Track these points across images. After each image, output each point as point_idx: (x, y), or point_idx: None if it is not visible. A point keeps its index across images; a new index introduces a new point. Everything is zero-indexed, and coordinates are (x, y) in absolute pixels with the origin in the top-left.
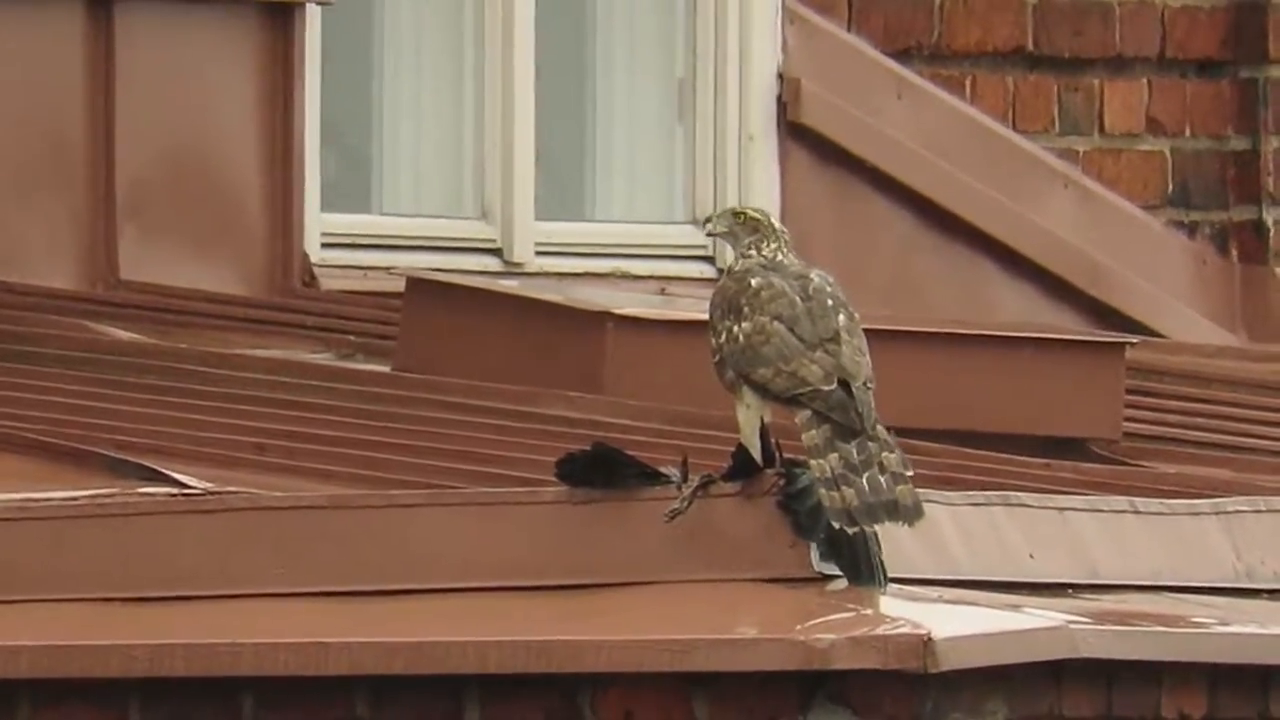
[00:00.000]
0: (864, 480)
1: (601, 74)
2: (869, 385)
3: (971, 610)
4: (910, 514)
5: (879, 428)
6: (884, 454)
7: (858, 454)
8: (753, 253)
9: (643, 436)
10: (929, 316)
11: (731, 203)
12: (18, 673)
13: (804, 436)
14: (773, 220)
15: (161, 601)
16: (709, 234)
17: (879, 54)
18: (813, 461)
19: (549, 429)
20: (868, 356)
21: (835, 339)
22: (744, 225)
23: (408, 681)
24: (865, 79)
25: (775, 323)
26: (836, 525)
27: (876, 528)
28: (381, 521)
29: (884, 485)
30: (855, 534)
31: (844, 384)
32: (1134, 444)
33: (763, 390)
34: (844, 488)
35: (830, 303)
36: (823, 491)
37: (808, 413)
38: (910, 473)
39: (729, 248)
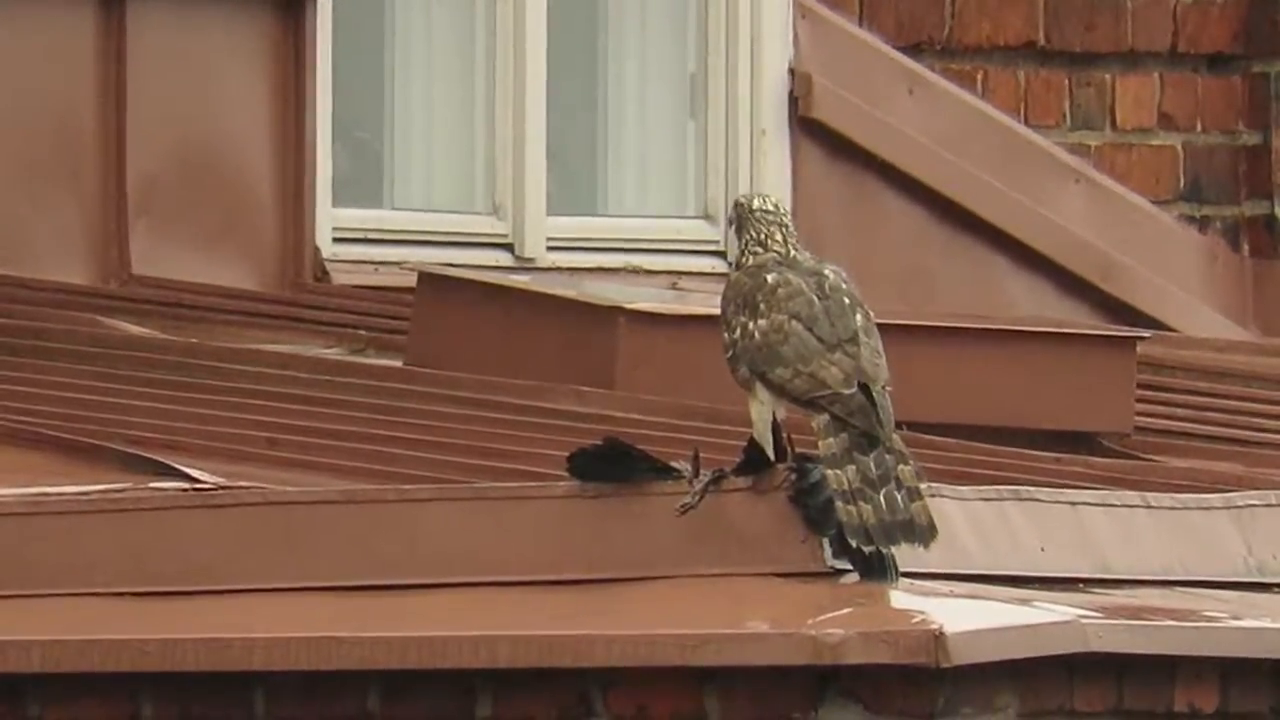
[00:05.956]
0: (881, 497)
1: (613, 68)
2: (887, 388)
3: (983, 605)
4: (925, 535)
5: (894, 436)
6: (900, 467)
7: (875, 468)
8: (760, 249)
9: (654, 431)
10: (940, 311)
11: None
12: (29, 667)
13: (821, 444)
14: (760, 204)
15: (173, 596)
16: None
17: (890, 49)
18: (829, 471)
19: (560, 424)
20: (884, 358)
21: (854, 340)
22: (737, 218)
23: (419, 676)
24: (877, 74)
25: (793, 322)
26: (853, 543)
27: (893, 549)
28: (393, 516)
29: (900, 503)
30: (871, 553)
31: (863, 388)
32: (1145, 438)
33: (779, 390)
34: (861, 503)
35: (847, 301)
36: (839, 505)
37: (825, 418)
38: (924, 484)
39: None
